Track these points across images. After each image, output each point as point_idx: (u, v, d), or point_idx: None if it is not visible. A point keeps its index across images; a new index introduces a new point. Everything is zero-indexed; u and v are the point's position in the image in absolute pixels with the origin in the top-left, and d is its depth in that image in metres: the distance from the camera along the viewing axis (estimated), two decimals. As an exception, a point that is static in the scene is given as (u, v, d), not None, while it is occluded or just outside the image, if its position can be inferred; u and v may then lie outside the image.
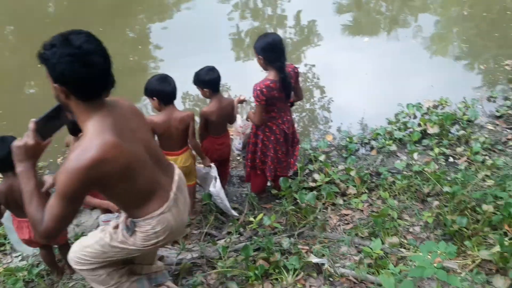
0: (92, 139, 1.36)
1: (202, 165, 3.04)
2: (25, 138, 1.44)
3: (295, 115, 4.41)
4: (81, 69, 1.29)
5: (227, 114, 2.99)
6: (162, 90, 2.56)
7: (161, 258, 2.57)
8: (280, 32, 6.44)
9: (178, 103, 4.51)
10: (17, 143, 1.45)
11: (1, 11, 7.18)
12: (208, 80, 2.79)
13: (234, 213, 3.09)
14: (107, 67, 1.38)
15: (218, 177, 2.96)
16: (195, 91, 4.43)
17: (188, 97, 4.87)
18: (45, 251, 2.49)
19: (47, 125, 1.46)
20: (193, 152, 2.93)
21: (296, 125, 4.20)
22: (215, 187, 2.94)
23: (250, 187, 3.34)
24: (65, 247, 2.45)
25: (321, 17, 6.64)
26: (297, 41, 6.16)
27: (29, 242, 2.34)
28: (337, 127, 4.26)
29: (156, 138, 2.71)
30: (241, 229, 2.97)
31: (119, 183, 1.47)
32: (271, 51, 2.65)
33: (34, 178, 1.47)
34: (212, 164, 2.97)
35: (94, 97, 1.39)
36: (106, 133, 1.37)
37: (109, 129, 1.39)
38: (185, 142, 2.82)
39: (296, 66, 2.90)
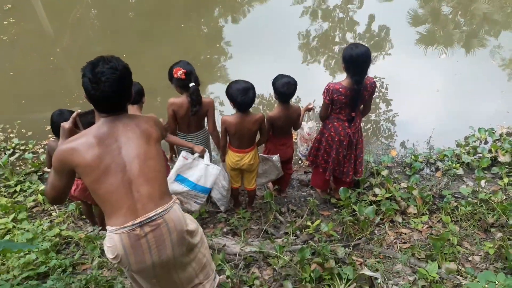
0: (79, 135, 1.72)
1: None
2: (67, 122, 1.88)
3: (365, 127, 4.44)
4: (91, 92, 1.66)
5: (292, 121, 3.12)
6: (242, 102, 2.76)
7: (223, 247, 2.78)
8: (349, 37, 6.43)
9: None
10: (62, 123, 1.88)
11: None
12: (282, 92, 2.93)
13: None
14: (112, 95, 1.66)
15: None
16: (262, 91, 4.58)
17: (258, 97, 5.04)
18: (85, 206, 3.16)
19: (85, 119, 1.91)
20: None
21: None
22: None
23: (311, 181, 3.54)
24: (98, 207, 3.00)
25: (394, 25, 6.54)
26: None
27: (72, 197, 3.00)
28: (401, 143, 4.23)
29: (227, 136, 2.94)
30: (298, 232, 3.09)
31: (83, 177, 1.68)
32: (353, 64, 2.77)
33: None
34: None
35: (100, 112, 1.73)
36: (89, 136, 1.69)
37: (94, 135, 1.69)
38: (253, 141, 3.00)
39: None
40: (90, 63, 1.67)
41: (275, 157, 3.14)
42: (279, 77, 2.94)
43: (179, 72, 2.72)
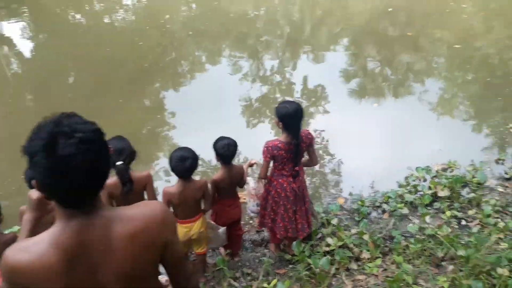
0: (35, 243, 1.13)
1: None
2: (35, 190, 1.44)
3: (307, 180, 4.52)
4: (54, 184, 1.08)
5: (236, 181, 3.13)
6: (178, 169, 2.73)
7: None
8: (288, 98, 6.75)
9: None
10: (30, 192, 1.53)
11: (21, 82, 7.71)
12: (222, 154, 2.97)
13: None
14: (87, 185, 1.10)
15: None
16: (207, 157, 4.62)
17: (201, 162, 5.02)
18: None
19: None
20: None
21: (308, 188, 4.32)
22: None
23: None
24: None
25: (328, 83, 6.98)
26: (306, 106, 6.43)
27: None
28: (348, 190, 4.33)
29: (171, 208, 2.84)
30: (255, 296, 2.96)
31: None
32: (290, 120, 2.87)
33: (26, 232, 1.47)
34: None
35: (64, 206, 1.14)
36: (49, 251, 1.10)
37: (57, 249, 1.10)
38: (200, 208, 2.94)
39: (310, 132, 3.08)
40: (43, 140, 1.05)
41: (222, 230, 3.09)
42: (219, 139, 3.00)
43: None
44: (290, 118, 2.85)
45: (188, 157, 2.72)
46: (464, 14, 10.02)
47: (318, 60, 8.54)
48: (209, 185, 3.00)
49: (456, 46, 8.31)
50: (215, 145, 2.99)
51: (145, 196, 2.81)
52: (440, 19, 9.82)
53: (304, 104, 6.52)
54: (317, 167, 4.73)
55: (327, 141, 5.31)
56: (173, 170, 2.75)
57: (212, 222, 3.12)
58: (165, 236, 1.25)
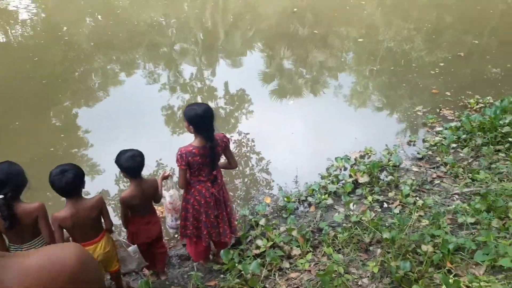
0: None
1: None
2: None
3: (236, 182, 4.40)
4: None
5: (150, 195, 2.86)
6: (56, 184, 2.39)
7: None
8: (211, 104, 6.59)
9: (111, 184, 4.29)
10: None
11: None
12: (128, 167, 2.69)
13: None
14: None
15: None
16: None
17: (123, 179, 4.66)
18: None
19: None
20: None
21: (235, 192, 4.20)
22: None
23: (192, 258, 3.22)
24: None
25: (249, 86, 6.95)
26: (228, 111, 6.32)
27: None
28: (274, 188, 4.28)
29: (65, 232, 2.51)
30: (186, 314, 2.74)
31: None
32: (200, 121, 2.68)
33: None
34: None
35: None
36: None
37: None
38: (101, 227, 2.64)
39: (231, 135, 2.93)
40: None
41: (132, 248, 2.80)
42: (121, 153, 2.70)
43: None
44: (200, 119, 2.68)
45: (68, 169, 2.38)
46: (364, 10, 10.67)
47: (236, 64, 8.50)
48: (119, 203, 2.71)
49: (360, 40, 8.79)
50: (118, 160, 2.69)
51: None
52: (343, 16, 10.35)
53: (227, 108, 6.40)
54: (246, 170, 4.63)
55: (253, 141, 5.23)
56: (52, 186, 2.38)
57: (122, 240, 2.82)
58: None
